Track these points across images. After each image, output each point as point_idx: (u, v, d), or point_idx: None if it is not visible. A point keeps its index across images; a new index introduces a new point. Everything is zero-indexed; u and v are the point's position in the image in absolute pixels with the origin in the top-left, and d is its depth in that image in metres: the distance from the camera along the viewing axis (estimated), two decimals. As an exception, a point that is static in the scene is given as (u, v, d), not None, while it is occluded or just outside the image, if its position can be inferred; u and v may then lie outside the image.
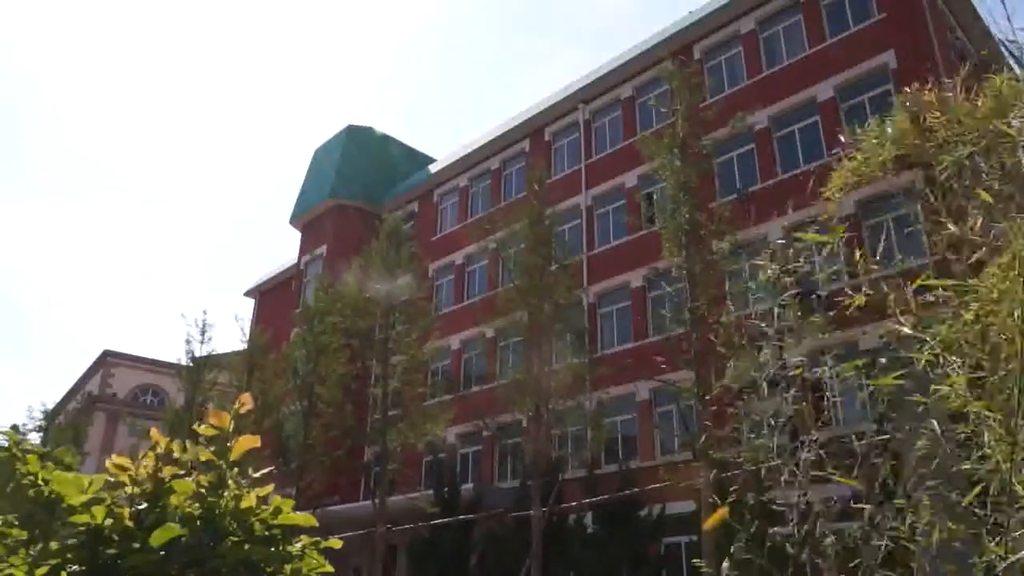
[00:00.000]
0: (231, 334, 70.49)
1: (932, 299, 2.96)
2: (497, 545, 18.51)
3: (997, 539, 2.31)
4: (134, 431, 26.11)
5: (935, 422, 2.64)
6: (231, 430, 2.23)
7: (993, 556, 2.31)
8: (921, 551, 2.53)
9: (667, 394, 18.68)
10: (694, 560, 16.26)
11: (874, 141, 3.56)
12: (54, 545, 1.97)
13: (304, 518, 2.25)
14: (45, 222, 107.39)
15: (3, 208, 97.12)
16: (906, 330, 2.76)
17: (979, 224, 2.98)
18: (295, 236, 35.35)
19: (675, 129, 15.85)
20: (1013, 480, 2.30)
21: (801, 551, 2.91)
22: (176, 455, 2.17)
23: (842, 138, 3.85)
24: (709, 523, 12.83)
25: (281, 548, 2.21)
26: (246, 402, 2.30)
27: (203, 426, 2.21)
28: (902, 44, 18.86)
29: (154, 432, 2.22)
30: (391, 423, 19.42)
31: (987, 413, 2.50)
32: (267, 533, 2.19)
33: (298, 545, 2.27)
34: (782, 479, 2.97)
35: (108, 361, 46.96)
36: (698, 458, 13.96)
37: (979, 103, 3.42)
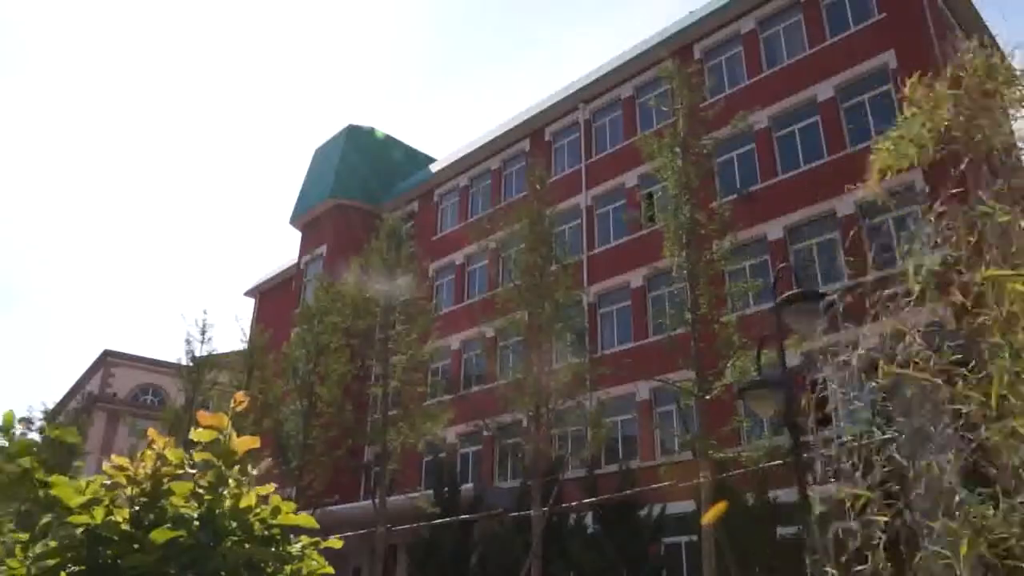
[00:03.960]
0: (231, 334, 70.54)
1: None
2: (497, 545, 18.50)
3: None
4: (134, 431, 26.13)
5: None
6: (230, 429, 2.22)
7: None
8: (925, 549, 2.53)
9: (667, 394, 18.67)
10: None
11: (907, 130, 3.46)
12: (53, 544, 1.96)
13: (304, 518, 2.24)
14: (43, 223, 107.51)
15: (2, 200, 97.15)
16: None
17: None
18: (295, 236, 35.38)
19: (675, 129, 15.84)
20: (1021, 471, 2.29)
21: (805, 549, 2.91)
22: (171, 459, 2.16)
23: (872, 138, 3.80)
24: (708, 518, 12.86)
25: (281, 548, 2.20)
26: (241, 400, 2.30)
27: (199, 430, 2.20)
28: (902, 44, 18.86)
29: (152, 432, 2.21)
30: (391, 423, 19.39)
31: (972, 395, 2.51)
32: (267, 533, 2.18)
33: (298, 545, 2.26)
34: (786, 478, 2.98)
35: (108, 361, 46.92)
36: (698, 458, 13.95)
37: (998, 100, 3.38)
